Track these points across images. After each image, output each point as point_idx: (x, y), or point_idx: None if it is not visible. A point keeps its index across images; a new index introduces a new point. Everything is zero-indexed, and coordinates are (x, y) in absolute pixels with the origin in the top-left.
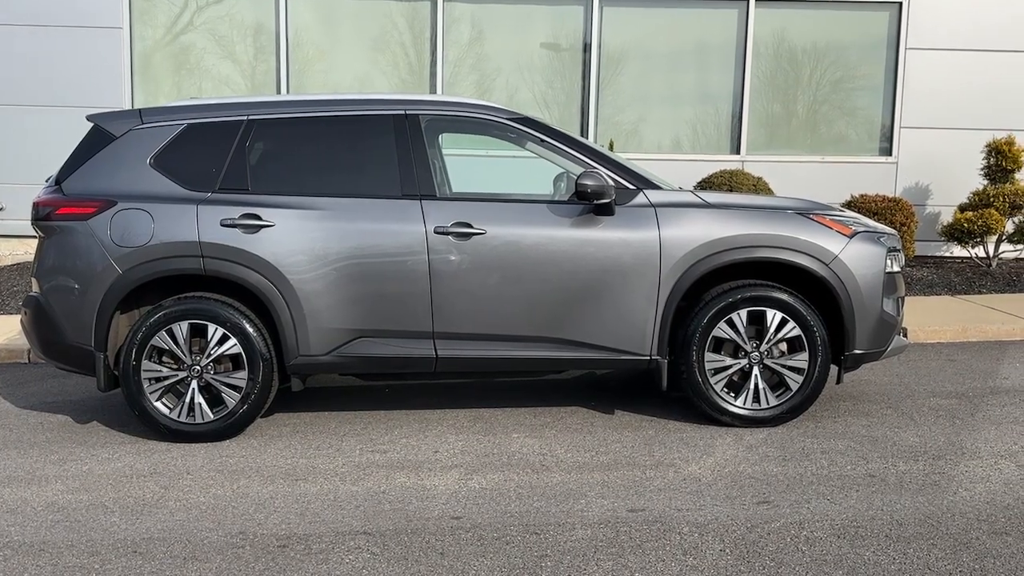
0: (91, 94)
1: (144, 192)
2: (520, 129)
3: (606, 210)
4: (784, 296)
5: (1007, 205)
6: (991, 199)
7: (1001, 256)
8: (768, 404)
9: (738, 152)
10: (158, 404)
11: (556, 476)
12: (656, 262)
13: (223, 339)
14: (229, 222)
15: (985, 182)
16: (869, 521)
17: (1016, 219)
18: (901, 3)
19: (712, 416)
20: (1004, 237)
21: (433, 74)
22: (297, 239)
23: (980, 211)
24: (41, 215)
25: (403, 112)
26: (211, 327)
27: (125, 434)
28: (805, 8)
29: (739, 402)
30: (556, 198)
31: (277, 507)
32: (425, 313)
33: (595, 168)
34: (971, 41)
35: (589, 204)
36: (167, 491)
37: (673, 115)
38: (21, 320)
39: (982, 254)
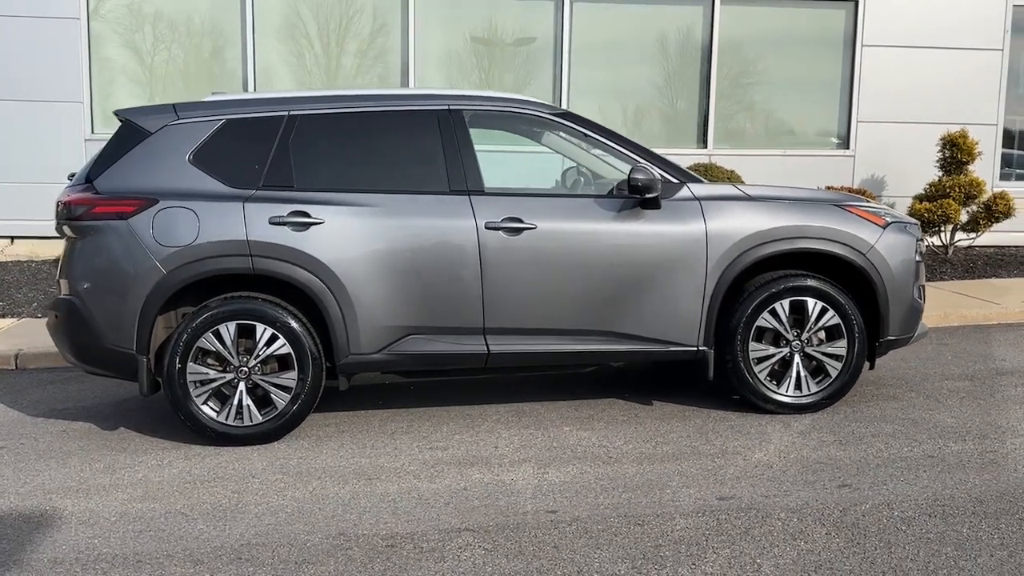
0: (46, 88)
1: (186, 190)
2: (562, 124)
3: (653, 204)
4: (824, 286)
5: (962, 195)
6: (947, 190)
7: (956, 244)
8: (810, 391)
9: (705, 146)
10: (204, 407)
11: (630, 467)
12: (703, 254)
13: (272, 339)
14: (278, 220)
15: (940, 174)
16: (950, 499)
17: (970, 208)
18: (857, 1)
19: (756, 404)
20: (959, 226)
21: (405, 61)
22: (347, 236)
23: (939, 201)
24: (74, 214)
25: (447, 107)
26: (259, 327)
27: (160, 439)
28: (768, 5)
29: (782, 390)
30: (578, 191)
31: (364, 507)
32: (476, 308)
33: (642, 162)
34: (925, 39)
35: (637, 198)
36: (240, 496)
37: (640, 109)
38: (48, 324)
39: (938, 243)
